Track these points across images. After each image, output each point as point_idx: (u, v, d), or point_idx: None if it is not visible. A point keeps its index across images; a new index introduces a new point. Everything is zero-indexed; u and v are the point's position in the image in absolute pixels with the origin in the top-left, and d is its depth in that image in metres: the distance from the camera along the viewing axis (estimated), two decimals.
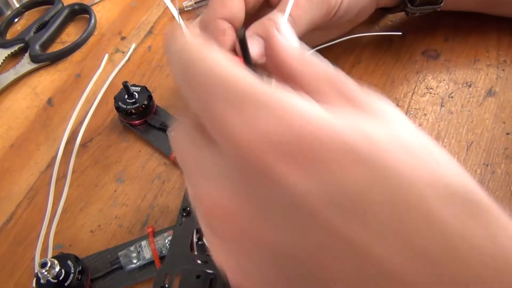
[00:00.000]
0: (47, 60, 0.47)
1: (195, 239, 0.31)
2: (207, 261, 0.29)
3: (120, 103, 0.39)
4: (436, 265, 0.14)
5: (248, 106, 0.16)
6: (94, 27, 0.50)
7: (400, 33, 0.36)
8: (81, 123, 0.42)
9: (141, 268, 0.32)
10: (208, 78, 0.17)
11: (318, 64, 0.19)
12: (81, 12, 0.51)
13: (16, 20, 0.53)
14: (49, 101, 0.44)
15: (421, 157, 0.16)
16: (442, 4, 0.39)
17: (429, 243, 0.14)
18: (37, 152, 0.41)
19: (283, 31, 0.21)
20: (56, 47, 0.50)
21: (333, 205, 0.15)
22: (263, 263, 0.17)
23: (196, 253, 0.30)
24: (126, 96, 0.39)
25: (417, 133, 0.17)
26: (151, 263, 0.32)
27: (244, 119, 0.16)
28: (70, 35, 0.51)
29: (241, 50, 0.22)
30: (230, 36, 0.30)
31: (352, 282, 0.15)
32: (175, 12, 0.30)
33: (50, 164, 0.39)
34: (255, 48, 0.28)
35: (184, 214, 0.31)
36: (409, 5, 0.39)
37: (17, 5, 0.54)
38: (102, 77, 0.45)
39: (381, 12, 0.44)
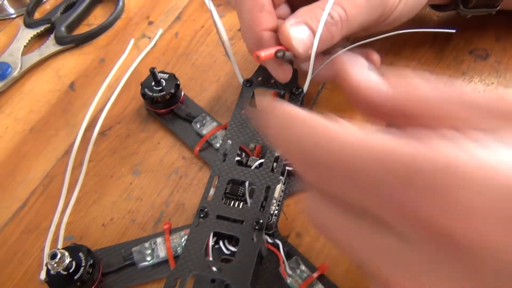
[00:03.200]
0: (72, 42, 0.46)
1: (211, 243, 0.29)
2: (222, 268, 0.27)
3: (146, 89, 0.37)
4: None
5: (445, 187, 0.13)
6: (122, 10, 0.48)
7: (454, 31, 0.32)
8: (101, 110, 0.40)
9: (154, 266, 0.31)
10: (361, 158, 0.14)
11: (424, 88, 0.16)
12: None
13: None
14: (71, 85, 0.43)
15: None
16: (498, 7, 0.36)
17: None
18: (55, 137, 0.39)
19: (354, 65, 0.19)
20: (82, 29, 0.48)
21: None
22: None
23: (211, 258, 0.28)
24: (153, 83, 0.37)
25: None
26: (164, 261, 0.30)
27: (453, 206, 0.13)
28: (97, 17, 0.49)
29: None
30: (268, 14, 0.27)
31: None
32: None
33: (68, 151, 0.38)
34: (300, 42, 0.26)
35: (202, 215, 0.29)
36: (461, 6, 0.36)
37: None
38: (126, 63, 0.44)
39: (431, 9, 0.40)
